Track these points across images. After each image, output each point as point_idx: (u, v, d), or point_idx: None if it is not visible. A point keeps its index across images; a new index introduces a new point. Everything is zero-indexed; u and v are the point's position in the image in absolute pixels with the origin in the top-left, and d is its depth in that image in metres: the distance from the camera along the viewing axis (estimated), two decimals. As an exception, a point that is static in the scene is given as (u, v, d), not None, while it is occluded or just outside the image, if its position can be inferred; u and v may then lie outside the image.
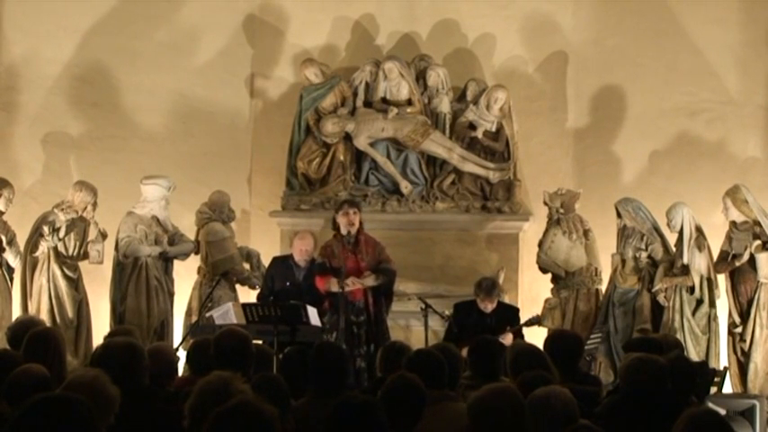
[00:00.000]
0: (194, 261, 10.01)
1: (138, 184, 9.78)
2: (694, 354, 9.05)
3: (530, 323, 8.68)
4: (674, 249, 9.46)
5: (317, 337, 7.69)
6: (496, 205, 10.54)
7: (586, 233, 9.90)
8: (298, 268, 8.90)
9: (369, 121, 10.59)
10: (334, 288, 8.24)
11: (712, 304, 9.34)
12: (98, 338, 8.52)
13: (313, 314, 8.01)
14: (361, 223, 8.56)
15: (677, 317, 9.28)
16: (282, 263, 9.06)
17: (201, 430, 3.37)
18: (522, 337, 8.46)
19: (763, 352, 9.21)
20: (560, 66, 11.18)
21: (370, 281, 8.37)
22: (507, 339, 8.07)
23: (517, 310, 8.96)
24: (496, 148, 10.60)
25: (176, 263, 9.86)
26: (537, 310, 9.61)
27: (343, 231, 8.47)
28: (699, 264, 9.29)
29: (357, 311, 8.36)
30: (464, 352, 7.66)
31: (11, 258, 9.38)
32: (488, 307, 8.59)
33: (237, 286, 10.04)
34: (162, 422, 4.40)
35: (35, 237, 9.39)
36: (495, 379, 5.35)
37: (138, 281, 9.52)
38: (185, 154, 11.13)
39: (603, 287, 9.84)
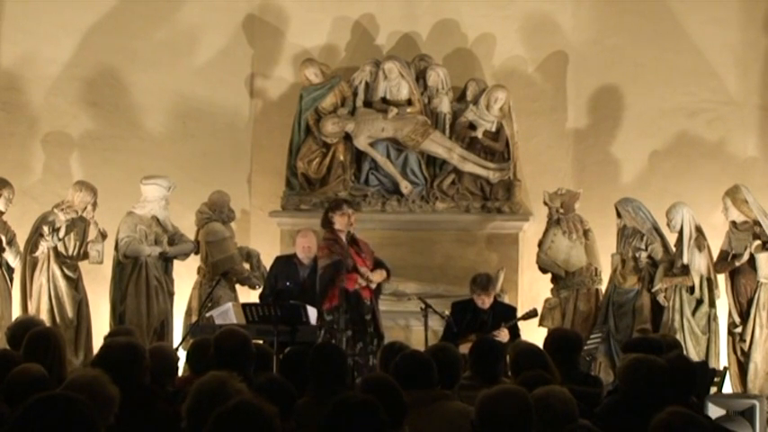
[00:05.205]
0: (194, 261, 10.01)
1: (138, 184, 9.78)
2: (694, 354, 9.05)
3: (527, 316, 8.65)
4: (674, 249, 9.46)
5: (315, 337, 7.68)
6: (496, 205, 10.54)
7: (586, 233, 9.90)
8: (301, 266, 8.89)
9: (369, 121, 10.59)
10: (363, 283, 8.13)
11: (712, 304, 9.34)
12: (98, 338, 8.53)
13: (313, 314, 8.00)
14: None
15: (677, 317, 9.28)
16: (286, 262, 9.05)
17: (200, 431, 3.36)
18: (518, 332, 8.44)
19: (763, 352, 9.20)
20: (560, 66, 11.18)
21: (378, 277, 8.33)
22: (503, 335, 8.06)
23: (514, 309, 8.90)
24: (496, 148, 10.60)
25: (176, 263, 9.87)
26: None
27: (343, 230, 8.42)
28: (699, 264, 9.28)
29: (366, 309, 8.24)
30: (462, 348, 7.69)
31: (11, 258, 9.37)
32: (485, 302, 8.51)
33: (237, 286, 10.04)
34: (162, 422, 4.40)
35: (35, 237, 9.38)
36: (496, 379, 5.34)
37: (138, 281, 9.52)
38: (185, 154, 11.13)
39: (603, 287, 9.84)
